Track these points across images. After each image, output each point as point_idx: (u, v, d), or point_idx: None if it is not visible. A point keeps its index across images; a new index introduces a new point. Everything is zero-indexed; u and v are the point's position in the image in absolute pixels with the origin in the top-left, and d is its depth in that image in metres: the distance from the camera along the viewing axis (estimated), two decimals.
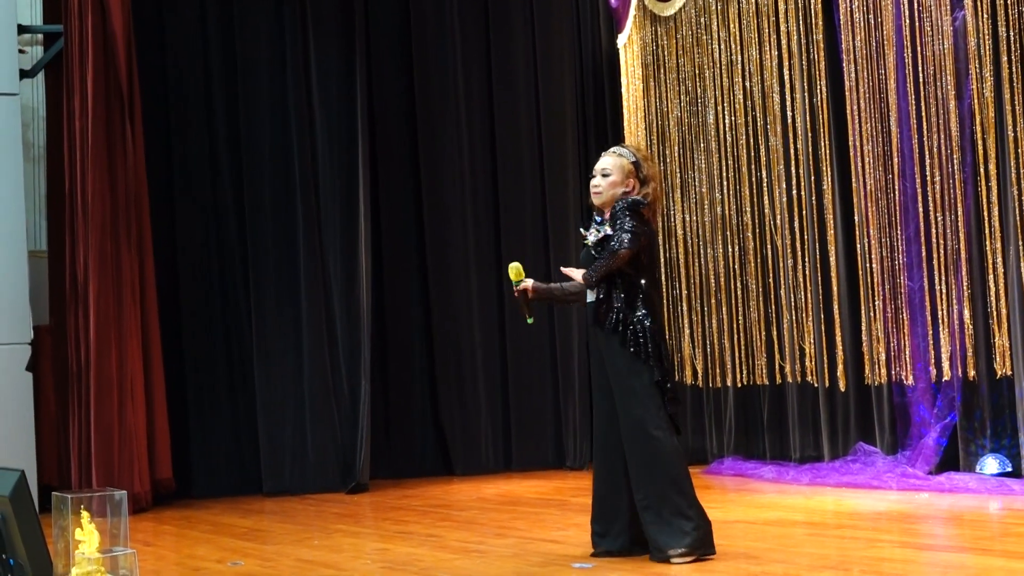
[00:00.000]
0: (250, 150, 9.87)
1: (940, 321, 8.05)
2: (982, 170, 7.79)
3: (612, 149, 5.75)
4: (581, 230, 5.81)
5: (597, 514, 5.65)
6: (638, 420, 5.37)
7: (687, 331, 9.94)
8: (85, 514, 3.79)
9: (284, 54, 9.94)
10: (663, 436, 5.37)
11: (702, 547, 5.30)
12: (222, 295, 9.88)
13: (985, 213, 7.79)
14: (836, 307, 8.78)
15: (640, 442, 5.37)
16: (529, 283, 5.68)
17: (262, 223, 9.82)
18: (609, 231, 5.45)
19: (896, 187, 8.35)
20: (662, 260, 9.91)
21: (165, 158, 9.75)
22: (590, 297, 5.58)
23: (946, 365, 7.98)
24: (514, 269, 5.65)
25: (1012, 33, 7.63)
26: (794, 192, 9.06)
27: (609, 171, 5.60)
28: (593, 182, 5.65)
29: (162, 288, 9.29)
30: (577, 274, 5.55)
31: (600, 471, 5.67)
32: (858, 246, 8.60)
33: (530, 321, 5.78)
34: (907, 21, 8.22)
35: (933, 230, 8.08)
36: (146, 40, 9.48)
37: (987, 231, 7.77)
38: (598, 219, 5.61)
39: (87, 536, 3.76)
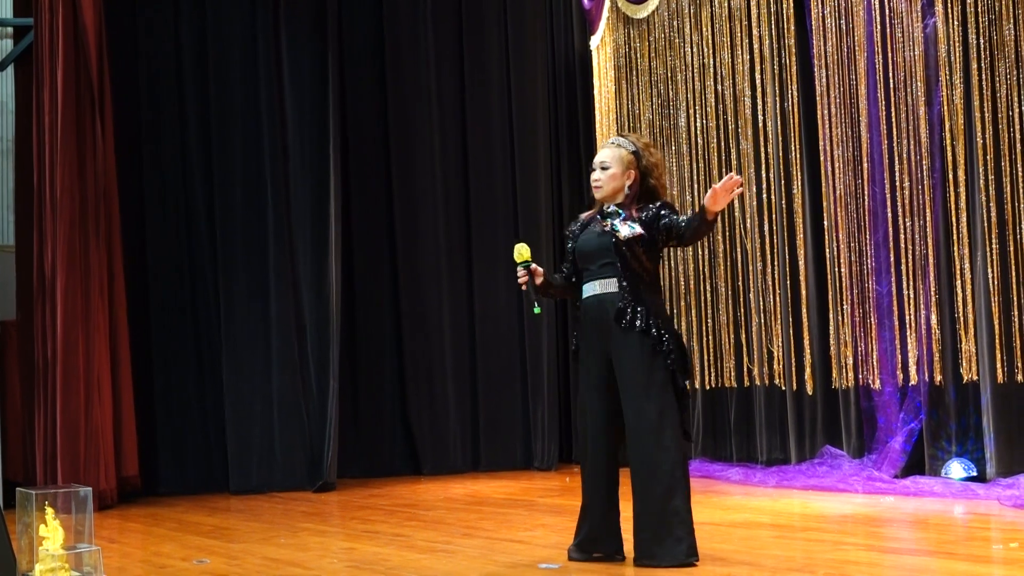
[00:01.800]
0: (221, 147, 9.84)
1: (907, 326, 8.09)
2: (951, 176, 7.84)
3: (611, 140, 5.54)
4: (584, 218, 5.52)
5: (587, 519, 5.45)
6: (653, 424, 5.19)
7: None
8: (49, 510, 3.76)
9: (256, 49, 9.92)
10: (675, 444, 5.22)
11: (692, 554, 5.24)
12: (191, 292, 9.84)
13: (953, 219, 7.83)
14: (804, 311, 8.81)
15: (651, 446, 5.19)
16: (534, 265, 5.40)
17: (232, 220, 9.79)
18: (640, 230, 5.25)
19: (865, 192, 8.40)
20: None
21: (135, 154, 9.71)
22: (593, 291, 5.37)
23: (913, 370, 8.03)
24: (518, 250, 5.40)
25: (982, 40, 7.67)
26: (764, 196, 9.09)
27: (608, 163, 5.41)
28: (593, 176, 5.45)
29: (131, 284, 9.25)
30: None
31: (590, 475, 5.45)
32: (827, 250, 8.64)
33: (537, 311, 5.47)
34: (878, 27, 8.26)
35: (902, 235, 8.13)
36: (117, 34, 9.44)
37: (955, 237, 7.82)
38: (622, 213, 5.33)
39: (51, 532, 3.73)
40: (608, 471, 5.40)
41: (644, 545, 5.23)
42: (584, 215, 5.62)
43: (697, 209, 5.40)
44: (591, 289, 5.40)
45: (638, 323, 5.23)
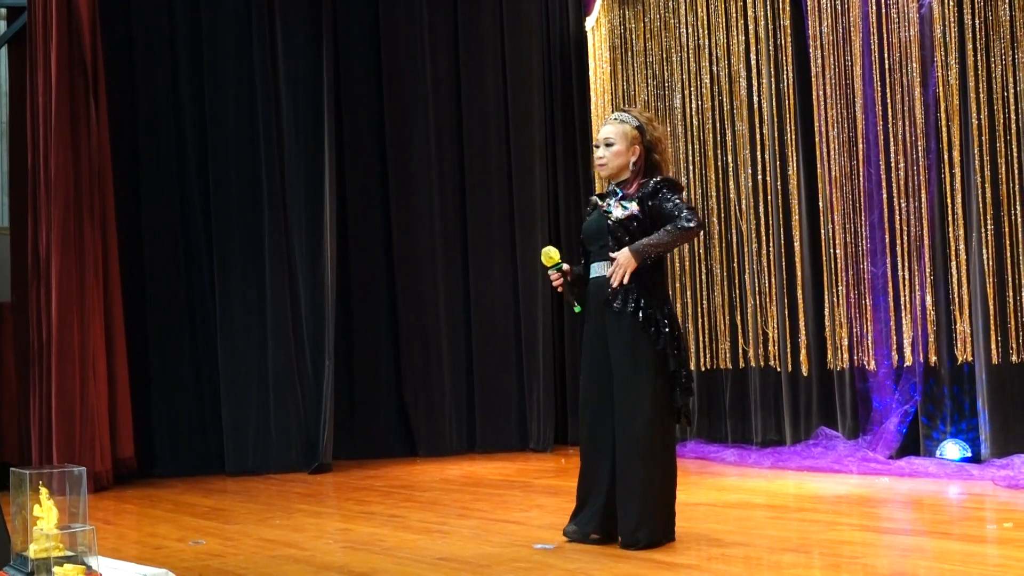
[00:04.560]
0: (216, 128, 9.81)
1: (902, 307, 8.10)
2: (946, 157, 7.84)
3: (614, 116, 5.46)
4: (595, 199, 5.49)
5: (582, 498, 5.48)
6: (638, 408, 5.19)
7: None
8: (44, 490, 3.76)
9: (250, 30, 9.88)
10: (658, 428, 5.22)
11: (665, 536, 5.27)
12: (186, 273, 9.83)
13: (948, 200, 7.83)
14: (800, 292, 8.82)
15: (635, 428, 5.19)
16: (566, 266, 5.41)
17: (227, 201, 9.77)
18: (636, 209, 5.23)
19: (861, 173, 8.40)
20: None
21: (130, 135, 9.69)
22: (595, 272, 5.36)
23: (908, 351, 8.04)
24: (547, 254, 5.35)
25: (977, 21, 7.67)
26: (759, 177, 9.09)
27: (612, 140, 5.35)
28: (597, 153, 5.40)
29: (125, 266, 9.23)
30: (619, 254, 5.15)
31: (586, 452, 5.48)
32: (822, 232, 8.64)
33: (578, 310, 5.41)
34: (874, 8, 8.26)
35: (897, 216, 8.13)
36: (111, 15, 9.40)
37: (950, 218, 7.82)
38: (619, 192, 5.33)
39: (45, 512, 3.73)
40: (603, 450, 5.39)
41: (628, 529, 5.24)
42: (596, 196, 5.60)
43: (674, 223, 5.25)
44: (595, 270, 5.40)
45: (629, 306, 5.22)
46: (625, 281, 5.16)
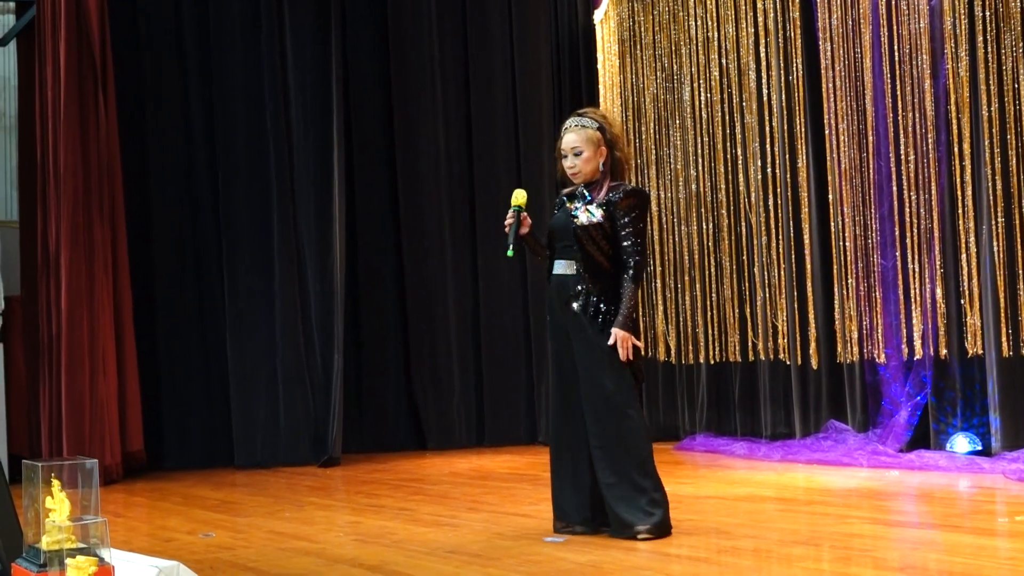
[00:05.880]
0: (224, 122, 9.81)
1: (912, 300, 8.09)
2: (956, 149, 7.82)
3: (573, 122, 5.52)
4: (563, 197, 5.57)
5: (558, 489, 5.58)
6: (612, 397, 5.31)
7: (660, 307, 9.97)
8: (56, 482, 3.76)
9: (259, 22, 9.88)
10: (636, 414, 5.35)
11: (664, 527, 5.29)
12: (195, 267, 9.84)
13: (959, 192, 7.82)
14: (809, 285, 8.80)
15: (614, 419, 5.31)
16: (528, 219, 5.50)
17: (236, 195, 9.77)
18: (599, 217, 5.33)
19: (870, 166, 8.38)
20: None
21: (138, 129, 9.69)
22: (557, 270, 5.47)
23: (918, 344, 8.02)
24: (517, 195, 5.46)
25: (987, 13, 7.65)
26: (769, 170, 9.08)
27: (580, 148, 5.44)
28: (567, 163, 5.47)
29: (135, 260, 9.25)
30: (617, 335, 5.28)
31: (560, 445, 5.58)
32: (832, 224, 8.63)
33: (510, 254, 5.49)
34: (883, 0, 8.23)
35: (907, 209, 8.12)
36: (119, 10, 9.40)
37: (960, 210, 7.81)
38: (587, 196, 5.43)
39: (58, 505, 3.73)
40: (578, 441, 5.46)
41: (630, 521, 5.27)
42: (566, 190, 5.67)
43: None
44: (556, 267, 5.51)
45: (590, 310, 5.36)
46: (630, 356, 5.31)
